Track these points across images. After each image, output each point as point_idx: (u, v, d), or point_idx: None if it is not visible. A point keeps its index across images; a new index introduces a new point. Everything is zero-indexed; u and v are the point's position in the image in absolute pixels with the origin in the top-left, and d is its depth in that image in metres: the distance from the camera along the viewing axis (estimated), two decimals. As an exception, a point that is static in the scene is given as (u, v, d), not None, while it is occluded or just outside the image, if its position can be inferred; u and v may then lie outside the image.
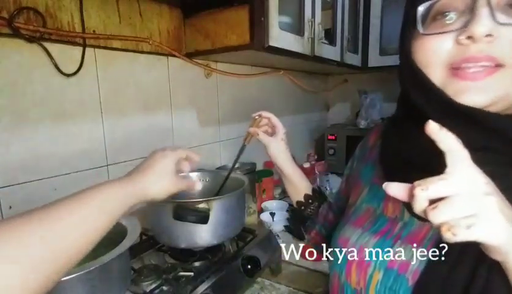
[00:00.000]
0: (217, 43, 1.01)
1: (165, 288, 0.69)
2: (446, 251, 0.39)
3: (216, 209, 0.77)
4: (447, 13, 0.37)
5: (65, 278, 0.49)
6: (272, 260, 0.91)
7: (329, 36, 1.38)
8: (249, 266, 0.79)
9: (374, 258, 0.45)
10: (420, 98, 0.40)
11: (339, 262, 0.50)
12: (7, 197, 0.72)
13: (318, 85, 2.05)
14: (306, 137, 2.03)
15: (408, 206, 0.41)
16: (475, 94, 0.35)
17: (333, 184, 1.41)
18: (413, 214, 0.41)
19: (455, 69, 0.36)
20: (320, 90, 2.07)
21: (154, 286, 0.69)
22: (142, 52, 0.97)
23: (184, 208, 0.75)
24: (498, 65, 0.34)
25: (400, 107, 0.49)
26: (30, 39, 0.72)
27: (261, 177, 1.33)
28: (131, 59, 0.95)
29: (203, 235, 0.78)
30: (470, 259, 0.36)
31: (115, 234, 0.64)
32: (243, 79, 1.40)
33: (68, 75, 0.80)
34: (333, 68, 1.64)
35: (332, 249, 0.53)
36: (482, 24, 0.33)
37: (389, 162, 0.49)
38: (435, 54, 0.38)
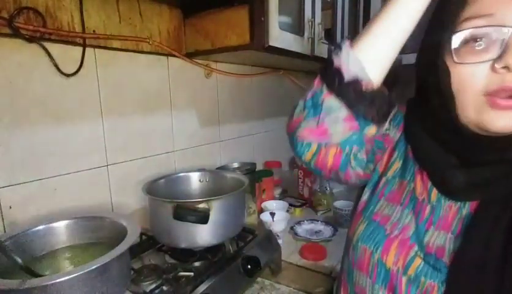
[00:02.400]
0: (217, 43, 1.01)
1: (165, 288, 0.69)
2: (476, 233, 0.41)
3: (216, 209, 0.77)
4: (478, 40, 0.39)
5: (65, 278, 0.49)
6: (272, 260, 0.91)
7: (329, 36, 1.38)
8: (249, 266, 0.79)
9: (416, 241, 0.45)
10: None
11: (376, 237, 0.48)
12: (7, 197, 0.72)
13: (318, 85, 2.05)
14: (306, 137, 2.02)
15: (442, 186, 0.46)
16: (510, 119, 0.39)
17: (333, 184, 1.41)
18: (444, 190, 0.45)
19: (490, 96, 0.39)
20: (319, 90, 2.06)
21: (154, 286, 0.69)
22: (142, 52, 0.97)
23: (184, 208, 0.75)
24: None
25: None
26: (30, 39, 0.72)
27: (261, 177, 1.33)
28: (131, 59, 0.95)
29: (203, 235, 0.78)
30: (500, 238, 0.39)
31: (115, 234, 0.64)
32: (243, 79, 1.40)
33: (68, 75, 0.80)
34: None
35: (362, 220, 0.51)
36: None
37: (419, 140, 0.50)
38: (472, 81, 0.40)
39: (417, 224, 0.46)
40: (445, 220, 0.45)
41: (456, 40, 0.41)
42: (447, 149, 0.46)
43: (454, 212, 0.45)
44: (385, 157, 0.54)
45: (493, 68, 0.38)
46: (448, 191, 0.46)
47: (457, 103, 0.42)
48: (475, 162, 0.44)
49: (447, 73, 0.42)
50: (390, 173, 0.53)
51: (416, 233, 0.46)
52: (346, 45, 0.47)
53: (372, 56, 0.45)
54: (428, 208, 0.47)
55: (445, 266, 0.42)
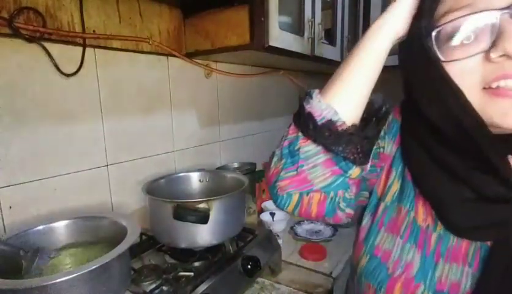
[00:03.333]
0: (217, 43, 1.01)
1: (165, 288, 0.69)
2: (493, 266, 0.37)
3: (216, 209, 0.77)
4: (465, 33, 0.35)
5: (65, 278, 0.49)
6: (272, 260, 0.91)
7: (329, 36, 1.38)
8: (249, 266, 0.79)
9: (422, 279, 0.41)
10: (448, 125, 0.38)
11: (378, 276, 0.44)
12: (7, 197, 0.72)
13: (318, 85, 2.04)
14: (306, 137, 2.02)
15: (445, 217, 0.40)
16: None
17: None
18: (452, 229, 0.40)
19: (492, 89, 0.34)
20: (319, 90, 2.06)
21: (154, 286, 0.69)
22: (142, 52, 0.97)
23: (184, 208, 0.75)
24: None
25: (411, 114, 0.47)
26: (30, 39, 0.72)
27: (261, 177, 1.33)
28: (131, 59, 0.95)
29: (203, 235, 0.78)
30: None
31: (115, 234, 0.64)
32: (243, 79, 1.40)
33: (68, 75, 0.80)
34: (333, 68, 1.64)
35: (364, 253, 0.47)
36: None
37: (417, 164, 0.46)
38: (467, 77, 0.35)
39: (424, 257, 0.42)
40: (458, 251, 0.40)
41: (436, 36, 0.37)
42: (452, 175, 0.40)
43: (467, 242, 0.40)
44: (383, 177, 0.49)
45: (488, 59, 0.34)
46: (456, 231, 0.40)
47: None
48: (489, 193, 0.38)
49: (441, 73, 0.37)
50: (388, 198, 0.48)
51: (422, 270, 0.42)
52: (316, 93, 0.45)
53: (344, 100, 0.43)
54: (434, 237, 0.42)
55: None
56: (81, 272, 0.50)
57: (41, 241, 0.67)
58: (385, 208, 0.48)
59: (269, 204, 1.32)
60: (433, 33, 0.37)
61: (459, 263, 0.40)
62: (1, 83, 0.70)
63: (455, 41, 0.35)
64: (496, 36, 0.32)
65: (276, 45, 0.97)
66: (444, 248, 0.41)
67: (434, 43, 0.37)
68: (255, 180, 1.29)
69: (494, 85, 0.34)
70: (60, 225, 0.70)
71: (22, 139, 0.74)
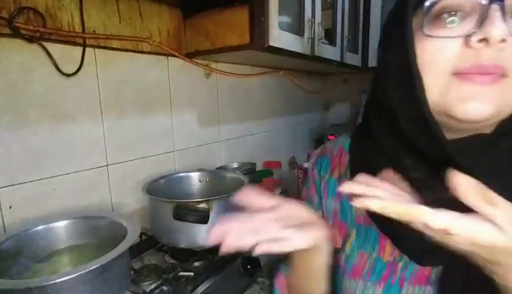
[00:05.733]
0: (217, 43, 1.01)
1: (165, 288, 0.69)
2: (446, 285, 0.38)
3: (216, 209, 0.77)
4: (451, 13, 0.33)
5: (65, 278, 0.49)
6: (272, 260, 0.91)
7: (329, 36, 1.38)
8: (249, 266, 0.79)
9: None
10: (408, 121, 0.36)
11: None
12: (7, 197, 0.72)
13: (318, 85, 2.05)
14: (306, 137, 2.03)
15: (399, 244, 0.40)
16: (482, 101, 0.32)
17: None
18: (407, 255, 0.40)
19: (460, 74, 0.33)
20: (319, 90, 2.07)
21: (154, 286, 0.69)
22: (142, 52, 0.97)
23: (184, 208, 0.75)
24: (503, 75, 0.32)
25: (372, 119, 0.44)
26: (30, 39, 0.72)
27: (261, 177, 1.33)
28: (131, 59, 0.95)
29: (203, 235, 0.78)
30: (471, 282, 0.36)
31: (115, 234, 0.64)
32: (243, 79, 1.40)
33: (68, 75, 0.80)
34: (333, 68, 1.64)
35: None
36: (499, 27, 0.30)
37: None
38: (441, 57, 0.34)
39: (389, 286, 0.43)
40: (421, 274, 0.41)
41: (427, 6, 0.34)
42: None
43: (428, 267, 0.41)
44: (335, 232, 0.48)
45: (467, 43, 0.32)
46: (410, 257, 0.40)
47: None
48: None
49: (412, 49, 0.34)
50: (348, 247, 0.47)
51: None
52: None
53: None
54: (400, 265, 0.43)
55: None
56: (81, 272, 0.50)
57: (41, 241, 0.67)
58: (346, 258, 0.48)
59: (269, 204, 1.32)
60: (426, 3, 0.34)
61: (421, 284, 0.41)
62: (1, 83, 0.70)
63: (443, 19, 0.34)
64: (482, 22, 0.31)
65: (276, 45, 0.97)
66: (408, 274, 0.42)
67: (423, 15, 0.34)
68: (255, 180, 1.29)
69: (463, 72, 0.33)
70: (60, 225, 0.70)
71: (22, 139, 0.74)
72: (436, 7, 0.34)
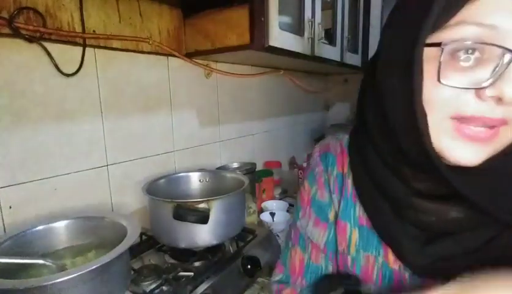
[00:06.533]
0: (217, 43, 1.01)
1: (165, 288, 0.69)
2: None
3: (216, 209, 0.77)
4: (468, 53, 0.31)
5: (65, 278, 0.49)
6: (272, 260, 0.91)
7: (329, 36, 1.38)
8: (249, 266, 0.79)
9: None
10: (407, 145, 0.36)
11: None
12: (7, 197, 0.72)
13: (318, 85, 2.05)
14: (306, 137, 2.03)
15: (409, 261, 0.39)
16: (476, 151, 0.32)
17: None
18: (410, 267, 0.40)
19: (459, 121, 0.32)
20: (320, 90, 2.07)
21: (154, 286, 0.69)
22: (142, 52, 0.97)
23: (184, 208, 0.75)
24: (503, 124, 0.31)
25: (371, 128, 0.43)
26: (30, 39, 0.72)
27: (261, 177, 1.33)
28: (131, 59, 0.95)
29: (203, 235, 0.78)
30: None
31: (115, 234, 0.64)
32: (243, 79, 1.40)
33: (68, 75, 0.80)
34: (333, 68, 1.64)
35: None
36: None
37: (370, 202, 0.44)
38: (446, 103, 0.32)
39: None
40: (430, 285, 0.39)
41: (447, 50, 0.31)
42: (395, 208, 0.40)
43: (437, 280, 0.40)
44: (339, 232, 0.48)
45: (479, 94, 0.30)
46: (413, 270, 0.40)
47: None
48: (435, 228, 0.38)
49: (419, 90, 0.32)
50: (352, 249, 0.46)
51: None
52: None
53: None
54: (407, 276, 0.42)
55: None
56: (81, 272, 0.50)
57: (41, 241, 0.67)
58: (353, 260, 0.47)
59: (269, 204, 1.32)
60: (445, 48, 0.31)
61: None
62: (1, 83, 0.70)
63: (456, 57, 0.31)
64: (499, 76, 0.30)
65: (276, 45, 0.97)
66: (418, 282, 0.41)
67: (442, 57, 0.31)
68: (255, 180, 1.29)
69: (464, 118, 0.32)
70: (60, 225, 0.70)
71: (22, 139, 0.74)
72: (455, 46, 0.31)
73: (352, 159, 0.47)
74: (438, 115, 0.32)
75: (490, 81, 0.30)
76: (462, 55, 0.31)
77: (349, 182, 0.47)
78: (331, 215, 0.50)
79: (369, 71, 0.43)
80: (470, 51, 0.31)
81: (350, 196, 0.47)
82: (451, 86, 0.31)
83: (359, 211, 0.46)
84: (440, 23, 0.31)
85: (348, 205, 0.47)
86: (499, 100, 0.30)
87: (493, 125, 0.31)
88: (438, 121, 0.33)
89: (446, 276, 0.36)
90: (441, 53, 0.31)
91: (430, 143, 0.33)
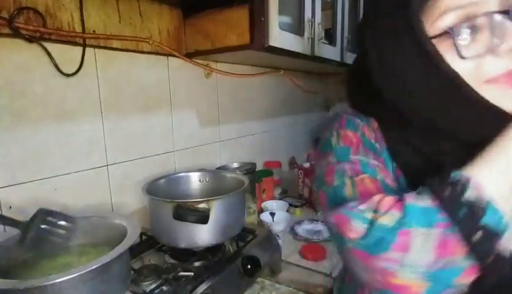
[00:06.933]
0: (217, 43, 1.01)
1: (165, 288, 0.69)
2: None
3: (216, 209, 0.77)
4: (465, 33, 0.35)
5: (65, 278, 0.49)
6: (272, 260, 0.91)
7: (329, 36, 1.38)
8: (249, 266, 0.79)
9: None
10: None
11: None
12: (7, 197, 0.72)
13: (318, 85, 2.05)
14: (306, 137, 2.03)
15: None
16: None
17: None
18: None
19: (491, 81, 0.35)
20: (319, 90, 2.07)
21: (154, 286, 0.69)
22: (142, 52, 0.97)
23: (184, 208, 0.75)
24: None
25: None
26: (30, 39, 0.72)
27: (261, 177, 1.33)
28: (131, 59, 0.95)
29: (203, 235, 0.78)
30: None
31: (115, 234, 0.64)
32: (243, 79, 1.40)
33: (68, 75, 0.80)
34: (333, 68, 1.64)
35: None
36: None
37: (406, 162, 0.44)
38: (477, 73, 0.35)
39: None
40: None
41: (456, 33, 0.35)
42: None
43: None
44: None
45: (496, 53, 0.34)
46: None
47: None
48: None
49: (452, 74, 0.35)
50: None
51: None
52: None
53: None
54: None
55: None
56: (81, 272, 0.50)
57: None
58: None
59: (269, 204, 1.32)
60: (463, 29, 0.34)
61: None
62: (1, 83, 0.70)
63: (465, 40, 0.35)
64: (504, 34, 0.33)
65: (276, 45, 0.97)
66: None
67: (456, 40, 0.35)
68: (255, 180, 1.29)
69: (495, 79, 0.35)
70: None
71: (22, 139, 0.74)
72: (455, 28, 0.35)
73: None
74: (474, 83, 0.35)
75: (491, 41, 0.33)
76: (460, 36, 0.35)
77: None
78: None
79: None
80: (466, 31, 0.35)
81: (384, 145, 0.47)
82: (472, 57, 0.34)
83: (398, 160, 0.46)
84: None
85: (386, 154, 0.47)
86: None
87: None
88: (476, 87, 0.35)
89: None
90: (454, 36, 0.35)
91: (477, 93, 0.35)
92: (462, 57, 0.35)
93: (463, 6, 0.34)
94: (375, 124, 0.48)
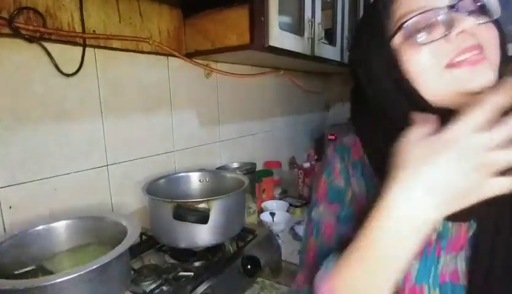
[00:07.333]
0: (217, 43, 1.01)
1: (165, 288, 0.69)
2: (480, 243, 0.40)
3: (216, 209, 0.77)
4: (422, 30, 0.39)
5: (65, 278, 0.49)
6: (272, 260, 0.91)
7: (329, 36, 1.38)
8: (249, 266, 0.79)
9: (424, 280, 0.42)
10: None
11: None
12: (7, 197, 0.72)
13: (318, 85, 2.05)
14: (306, 137, 2.03)
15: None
16: (483, 74, 0.37)
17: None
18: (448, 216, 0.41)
19: (451, 65, 0.38)
20: (319, 90, 2.07)
21: (154, 286, 0.69)
22: (142, 52, 0.97)
23: (184, 208, 0.75)
24: (484, 58, 0.37)
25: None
26: (30, 39, 0.72)
27: (261, 177, 1.33)
28: (131, 59, 0.95)
29: (203, 235, 0.78)
30: (504, 240, 0.39)
31: (115, 234, 0.64)
32: (243, 79, 1.40)
33: (68, 75, 0.80)
34: (333, 68, 1.64)
35: None
36: (467, 18, 0.37)
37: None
38: (434, 58, 0.39)
39: (425, 258, 0.43)
40: (457, 241, 0.42)
41: (406, 29, 0.39)
42: None
43: (465, 230, 0.42)
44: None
45: (448, 39, 0.37)
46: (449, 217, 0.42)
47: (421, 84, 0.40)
48: None
49: (402, 57, 0.40)
50: None
51: (422, 272, 0.42)
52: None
53: None
54: (434, 236, 0.43)
55: (463, 288, 0.40)
56: (81, 272, 0.50)
57: (41, 241, 0.67)
58: None
59: (269, 204, 1.32)
60: (407, 23, 0.39)
61: (455, 251, 0.42)
62: (1, 83, 0.70)
63: (420, 33, 0.39)
64: (452, 23, 0.37)
65: (276, 45, 0.97)
66: (444, 243, 0.42)
67: (403, 35, 0.40)
68: (255, 180, 1.29)
69: (457, 60, 0.37)
70: (60, 225, 0.70)
71: (22, 139, 0.74)
72: (410, 26, 0.39)
73: (361, 139, 0.51)
74: (436, 70, 0.38)
75: (444, 29, 0.37)
76: (418, 35, 0.39)
77: (366, 164, 0.49)
78: (349, 194, 0.50)
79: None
80: (421, 29, 0.39)
81: (369, 176, 0.49)
82: (430, 42, 0.38)
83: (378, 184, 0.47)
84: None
85: (370, 183, 0.49)
86: (464, 32, 0.37)
87: (475, 49, 0.37)
88: (440, 76, 0.38)
89: (479, 217, 0.40)
90: (412, 33, 0.39)
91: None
92: (421, 44, 0.39)
93: (417, 9, 0.39)
94: (359, 144, 0.52)
